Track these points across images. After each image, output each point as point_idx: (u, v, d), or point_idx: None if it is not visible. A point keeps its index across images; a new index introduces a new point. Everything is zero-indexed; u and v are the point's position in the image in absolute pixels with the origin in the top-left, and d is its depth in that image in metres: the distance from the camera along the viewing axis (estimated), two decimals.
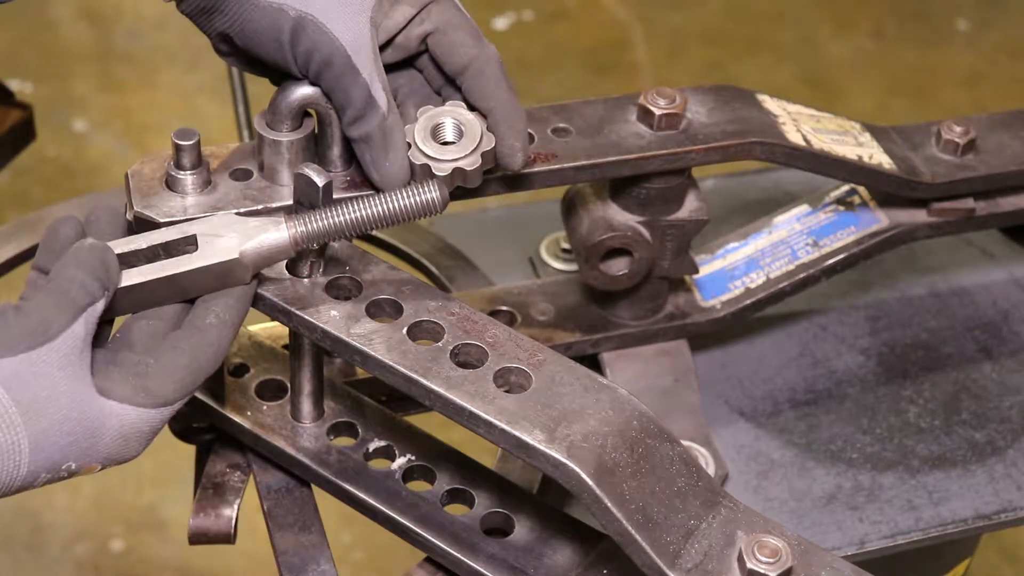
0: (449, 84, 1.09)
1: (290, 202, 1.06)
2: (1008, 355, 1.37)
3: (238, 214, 1.03)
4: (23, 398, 0.86)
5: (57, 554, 2.46)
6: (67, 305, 0.89)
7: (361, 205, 1.00)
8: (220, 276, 0.97)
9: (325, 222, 0.99)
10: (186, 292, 0.98)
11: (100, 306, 0.91)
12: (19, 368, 0.86)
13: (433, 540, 1.09)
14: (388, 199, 1.00)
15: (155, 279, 0.96)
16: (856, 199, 1.33)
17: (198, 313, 0.97)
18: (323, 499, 1.15)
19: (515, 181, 1.12)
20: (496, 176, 1.11)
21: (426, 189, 1.00)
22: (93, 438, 0.90)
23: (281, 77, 1.09)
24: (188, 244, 0.98)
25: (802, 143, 1.22)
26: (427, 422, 1.17)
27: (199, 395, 1.16)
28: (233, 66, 1.13)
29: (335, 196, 1.09)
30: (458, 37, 1.07)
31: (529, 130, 1.16)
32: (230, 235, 0.97)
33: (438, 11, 1.07)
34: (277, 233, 0.98)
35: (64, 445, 0.89)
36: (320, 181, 1.01)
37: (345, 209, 1.00)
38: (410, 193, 1.00)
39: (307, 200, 1.01)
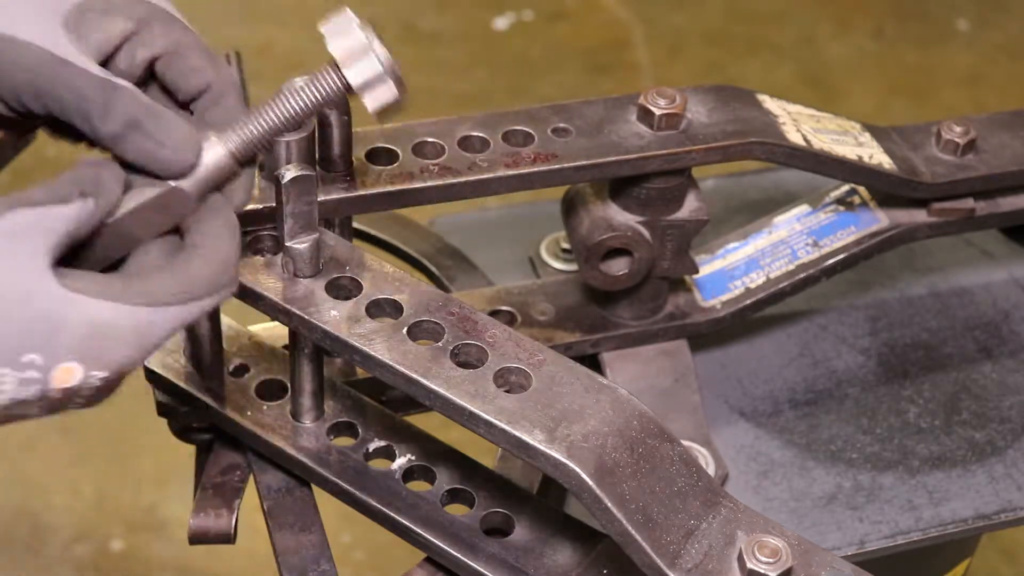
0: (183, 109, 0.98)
1: None
2: (1008, 355, 1.37)
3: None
4: None
5: (57, 554, 2.46)
6: (15, 200, 0.82)
7: (282, 97, 0.94)
8: (163, 209, 0.89)
9: (253, 124, 0.93)
10: (137, 239, 0.89)
11: (69, 210, 0.84)
12: None
13: (433, 540, 1.08)
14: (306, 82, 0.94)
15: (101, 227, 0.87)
16: (856, 199, 1.33)
17: (183, 240, 0.90)
18: (323, 499, 1.15)
19: (516, 181, 1.12)
20: None
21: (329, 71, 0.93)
22: (52, 329, 0.82)
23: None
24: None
25: (802, 143, 1.22)
26: (427, 422, 1.17)
27: (199, 395, 1.16)
28: None
29: (337, 197, 1.10)
30: (193, 60, 0.96)
31: (525, 128, 1.16)
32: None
33: (163, 31, 0.95)
34: (211, 149, 0.91)
35: (13, 333, 0.81)
36: (311, 171, 0.99)
37: (267, 106, 0.94)
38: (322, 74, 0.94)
39: (305, 199, 1.01)
